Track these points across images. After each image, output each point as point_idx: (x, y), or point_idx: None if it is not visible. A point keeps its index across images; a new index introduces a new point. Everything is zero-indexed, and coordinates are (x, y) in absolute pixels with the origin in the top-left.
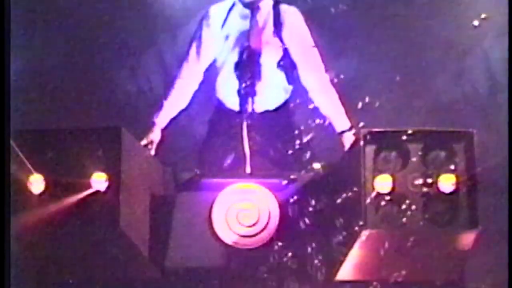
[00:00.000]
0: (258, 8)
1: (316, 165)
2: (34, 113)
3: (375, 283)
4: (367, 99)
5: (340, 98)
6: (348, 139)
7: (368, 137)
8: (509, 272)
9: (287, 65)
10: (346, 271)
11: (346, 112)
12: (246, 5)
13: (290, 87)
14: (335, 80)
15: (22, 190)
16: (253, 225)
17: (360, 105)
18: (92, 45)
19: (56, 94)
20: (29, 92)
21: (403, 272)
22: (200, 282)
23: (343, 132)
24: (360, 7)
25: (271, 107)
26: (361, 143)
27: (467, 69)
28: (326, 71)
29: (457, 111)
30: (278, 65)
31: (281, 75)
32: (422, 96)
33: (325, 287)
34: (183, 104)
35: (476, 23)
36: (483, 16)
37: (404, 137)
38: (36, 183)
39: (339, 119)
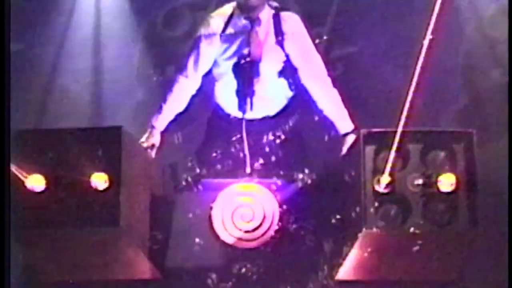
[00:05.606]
0: (258, 17)
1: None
2: (34, 113)
3: (375, 283)
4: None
5: (342, 100)
6: (351, 141)
7: (368, 137)
8: (509, 272)
9: (289, 72)
10: (346, 271)
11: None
12: (246, 15)
13: (291, 93)
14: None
15: (22, 190)
16: (253, 225)
17: (360, 105)
18: (92, 45)
19: (56, 94)
20: (29, 92)
21: (403, 272)
22: (200, 282)
23: (346, 134)
24: (360, 7)
25: (271, 113)
26: (361, 143)
27: (467, 69)
28: (328, 74)
29: (457, 111)
30: (280, 73)
31: (282, 83)
32: (422, 96)
33: (325, 287)
34: (180, 108)
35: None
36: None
37: (404, 137)
38: (36, 183)
39: (343, 122)
